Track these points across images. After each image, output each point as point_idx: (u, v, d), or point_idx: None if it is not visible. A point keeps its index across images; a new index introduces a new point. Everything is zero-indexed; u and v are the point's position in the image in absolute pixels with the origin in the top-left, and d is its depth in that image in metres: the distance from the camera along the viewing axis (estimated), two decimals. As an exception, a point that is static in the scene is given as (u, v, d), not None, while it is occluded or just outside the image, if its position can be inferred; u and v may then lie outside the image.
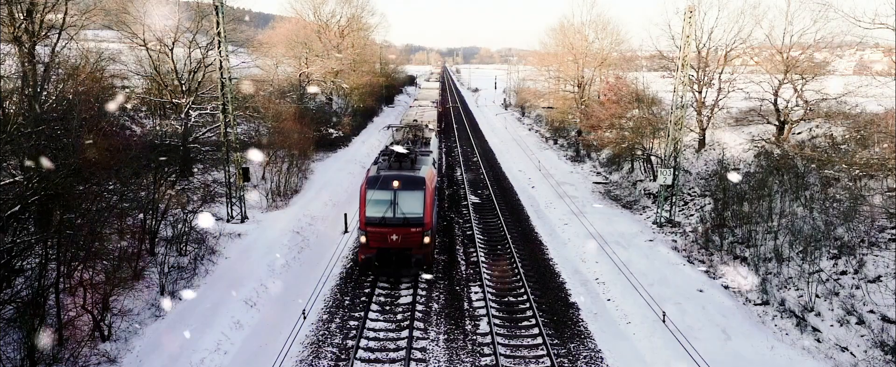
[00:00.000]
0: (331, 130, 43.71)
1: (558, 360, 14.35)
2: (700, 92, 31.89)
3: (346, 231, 23.76)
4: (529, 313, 16.92)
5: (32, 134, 13.65)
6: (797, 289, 17.22)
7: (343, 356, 14.32)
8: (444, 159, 42.99)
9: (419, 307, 17.13)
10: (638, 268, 19.63)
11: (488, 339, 15.29)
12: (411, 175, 18.28)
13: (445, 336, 15.54)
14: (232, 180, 24.21)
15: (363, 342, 15.02)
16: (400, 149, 20.08)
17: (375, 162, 20.51)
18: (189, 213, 20.23)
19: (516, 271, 20.01)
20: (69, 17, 20.98)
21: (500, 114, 77.25)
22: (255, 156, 26.94)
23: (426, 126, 28.97)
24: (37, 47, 19.55)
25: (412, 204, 17.94)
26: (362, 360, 14.19)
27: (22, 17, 19.07)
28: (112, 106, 19.33)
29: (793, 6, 43.05)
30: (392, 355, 14.51)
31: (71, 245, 13.47)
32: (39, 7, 19.54)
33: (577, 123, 45.02)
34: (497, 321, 16.38)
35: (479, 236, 23.97)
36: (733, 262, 20.17)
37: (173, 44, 28.32)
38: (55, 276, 12.91)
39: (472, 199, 30.69)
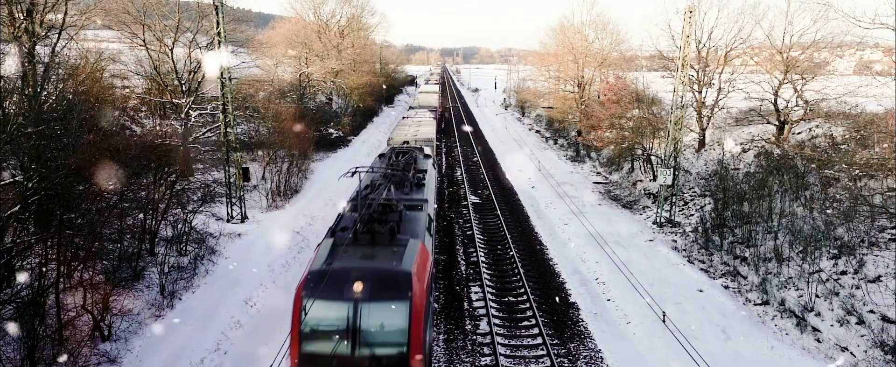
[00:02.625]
0: (331, 130, 43.72)
1: (558, 360, 14.35)
2: (700, 92, 31.90)
3: None
4: (529, 313, 16.92)
5: (32, 134, 13.64)
6: (797, 289, 17.22)
7: (343, 356, 14.28)
8: (444, 160, 42.97)
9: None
10: (638, 268, 19.63)
11: (488, 339, 15.29)
12: (388, 268, 10.06)
13: (445, 336, 15.54)
14: (232, 180, 24.21)
15: (363, 342, 14.98)
16: (374, 200, 12.36)
17: (330, 232, 12.08)
18: (189, 213, 20.23)
19: (516, 271, 20.00)
20: (69, 17, 20.97)
21: (500, 114, 77.25)
22: (253, 165, 26.37)
23: (421, 149, 21.53)
24: (37, 47, 19.54)
25: (387, 326, 9.78)
26: (362, 360, 14.17)
27: (22, 17, 19.06)
28: (112, 115, 19.27)
29: (793, 6, 43.10)
30: (392, 355, 14.49)
31: (71, 245, 13.46)
32: (39, 7, 19.54)
33: (577, 123, 45.05)
34: (497, 321, 16.38)
35: (479, 236, 23.96)
36: (733, 262, 20.18)
37: (173, 44, 28.33)
38: (55, 276, 12.90)
39: (472, 199, 30.69)
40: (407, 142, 23.27)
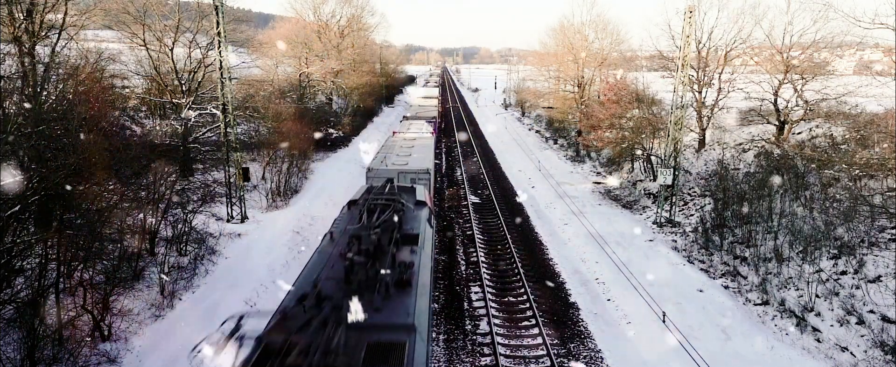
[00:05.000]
0: (331, 130, 43.72)
1: (558, 360, 14.35)
2: (700, 92, 31.91)
3: None
4: (529, 313, 16.92)
5: (32, 134, 13.65)
6: (797, 289, 17.22)
7: (343, 356, 14.27)
8: (444, 160, 42.94)
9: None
10: (638, 268, 19.63)
11: (488, 339, 15.29)
12: None
13: (445, 336, 15.54)
14: (232, 180, 24.21)
15: (363, 342, 14.97)
16: None
17: None
18: (189, 213, 20.24)
19: (516, 271, 20.00)
20: (69, 17, 20.97)
21: (500, 114, 77.25)
22: (253, 165, 25.91)
23: (413, 191, 14.79)
24: (37, 47, 19.55)
25: None
26: (362, 360, 14.16)
27: (22, 17, 19.06)
28: (113, 115, 19.11)
29: (793, 6, 43.09)
30: (392, 355, 14.48)
31: (71, 245, 13.47)
32: (39, 7, 19.54)
33: (577, 124, 45.06)
34: (497, 321, 16.38)
35: (479, 236, 23.96)
36: (733, 262, 20.18)
37: (173, 44, 28.34)
38: (55, 276, 12.91)
39: (472, 199, 30.69)
40: (391, 180, 14.12)
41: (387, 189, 13.18)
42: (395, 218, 10.60)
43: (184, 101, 27.78)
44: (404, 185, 15.31)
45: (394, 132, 33.09)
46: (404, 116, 44.88)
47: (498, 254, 22.10)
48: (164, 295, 16.33)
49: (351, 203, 13.48)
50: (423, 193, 14.85)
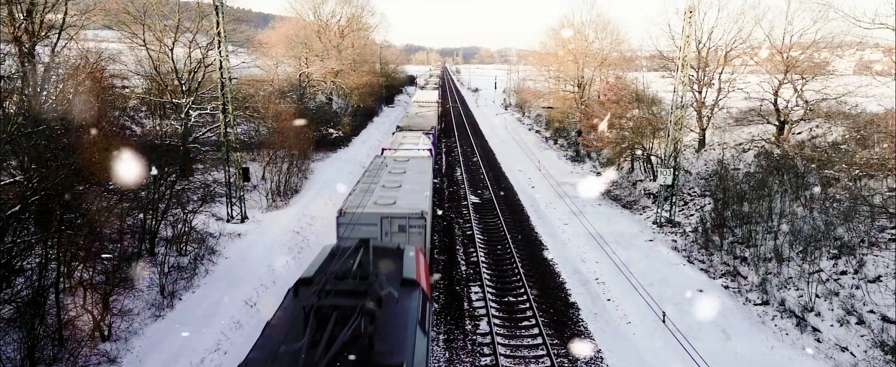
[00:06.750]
0: (331, 130, 43.71)
1: (558, 360, 14.35)
2: (700, 92, 31.91)
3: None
4: (529, 313, 16.92)
5: (32, 134, 13.65)
6: (797, 289, 17.22)
7: (343, 356, 14.26)
8: (444, 160, 42.93)
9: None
10: (638, 268, 19.62)
11: (488, 339, 15.29)
12: None
13: (445, 336, 15.54)
14: (232, 180, 24.21)
15: (363, 342, 14.96)
16: None
17: None
18: (189, 213, 20.24)
19: (516, 271, 20.00)
20: (69, 17, 20.98)
21: (500, 114, 77.21)
22: (253, 165, 25.72)
23: (399, 254, 10.44)
24: (37, 47, 19.55)
25: None
26: (362, 360, 14.15)
27: (22, 17, 19.06)
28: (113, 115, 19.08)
29: (793, 6, 43.10)
30: (392, 355, 14.47)
31: (71, 245, 13.46)
32: (39, 7, 19.54)
33: (577, 124, 45.04)
34: (497, 321, 16.38)
35: (478, 236, 23.96)
36: (733, 262, 20.17)
37: (173, 44, 28.34)
38: (55, 276, 12.91)
39: (472, 199, 30.68)
40: (366, 243, 9.17)
41: (357, 261, 8.25)
42: (363, 330, 6.29)
43: (184, 101, 27.78)
44: (386, 246, 10.78)
45: (383, 149, 27.59)
46: (397, 127, 38.18)
47: (498, 254, 22.10)
48: (164, 295, 16.34)
49: (300, 284, 8.52)
50: (413, 262, 9.53)
